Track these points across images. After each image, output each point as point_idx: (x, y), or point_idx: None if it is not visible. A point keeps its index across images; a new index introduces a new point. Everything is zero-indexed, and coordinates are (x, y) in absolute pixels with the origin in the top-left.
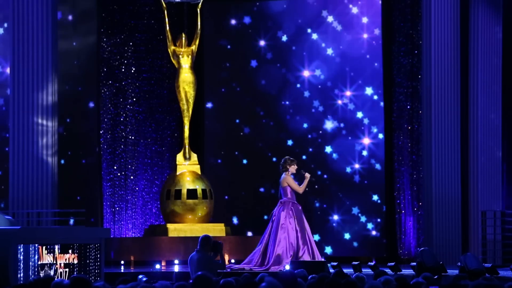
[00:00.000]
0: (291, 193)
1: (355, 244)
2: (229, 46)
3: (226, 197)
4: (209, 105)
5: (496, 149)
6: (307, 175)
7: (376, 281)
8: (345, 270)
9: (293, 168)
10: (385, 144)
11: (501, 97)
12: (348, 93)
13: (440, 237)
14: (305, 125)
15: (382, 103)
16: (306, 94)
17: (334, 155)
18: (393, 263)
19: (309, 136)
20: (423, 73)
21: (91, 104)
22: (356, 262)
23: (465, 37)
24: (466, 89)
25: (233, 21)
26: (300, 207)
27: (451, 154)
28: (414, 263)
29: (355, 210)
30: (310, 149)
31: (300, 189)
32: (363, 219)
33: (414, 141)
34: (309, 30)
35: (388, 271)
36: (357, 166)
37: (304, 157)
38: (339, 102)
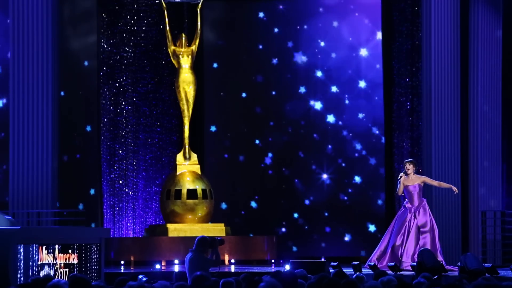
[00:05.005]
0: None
1: (355, 244)
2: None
3: (226, 197)
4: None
5: (496, 149)
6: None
7: (376, 281)
8: (345, 270)
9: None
10: (385, 144)
11: (501, 97)
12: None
13: (440, 237)
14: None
15: (379, 100)
16: (306, 93)
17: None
18: (393, 263)
19: (310, 132)
20: (423, 73)
21: (91, 104)
22: (356, 262)
23: (465, 37)
24: (466, 89)
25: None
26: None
27: (451, 154)
28: (414, 263)
29: (355, 211)
30: (310, 146)
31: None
32: (363, 219)
33: (414, 141)
34: (305, 26)
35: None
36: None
37: (301, 154)
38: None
